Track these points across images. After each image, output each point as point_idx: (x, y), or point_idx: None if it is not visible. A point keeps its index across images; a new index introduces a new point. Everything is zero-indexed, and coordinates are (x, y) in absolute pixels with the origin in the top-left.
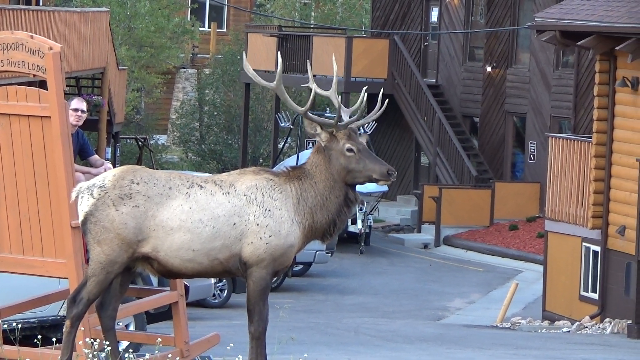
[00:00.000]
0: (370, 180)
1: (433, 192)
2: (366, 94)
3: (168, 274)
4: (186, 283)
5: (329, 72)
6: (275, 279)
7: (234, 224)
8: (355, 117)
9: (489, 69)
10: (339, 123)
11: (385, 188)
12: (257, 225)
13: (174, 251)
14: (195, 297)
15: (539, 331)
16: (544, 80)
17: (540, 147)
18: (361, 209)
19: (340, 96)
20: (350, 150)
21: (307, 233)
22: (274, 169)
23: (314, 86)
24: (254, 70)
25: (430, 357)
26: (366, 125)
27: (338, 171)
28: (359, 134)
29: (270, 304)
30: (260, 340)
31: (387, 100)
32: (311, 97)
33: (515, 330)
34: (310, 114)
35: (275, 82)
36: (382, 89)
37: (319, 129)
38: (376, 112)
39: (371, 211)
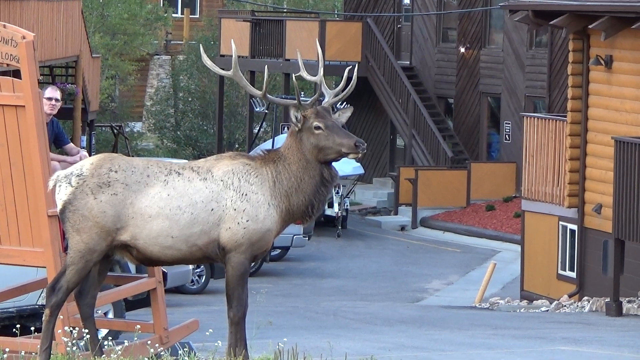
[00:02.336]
0: (341, 155)
1: (409, 174)
2: (347, 74)
3: (147, 262)
4: (164, 270)
5: (303, 56)
6: (253, 263)
7: (212, 209)
8: (317, 94)
9: (462, 50)
10: (301, 102)
11: (360, 170)
12: (235, 210)
13: (153, 238)
14: (174, 283)
15: (518, 311)
16: (517, 60)
17: (516, 127)
18: (337, 192)
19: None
20: (317, 127)
21: (285, 216)
22: (251, 153)
23: (304, 73)
24: (228, 56)
25: (410, 339)
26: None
27: (309, 150)
28: (343, 108)
29: (249, 289)
30: (239, 326)
31: (356, 74)
32: (295, 85)
33: (494, 311)
34: (269, 96)
35: (232, 70)
36: (356, 67)
37: (292, 112)
38: (347, 89)
39: (348, 194)
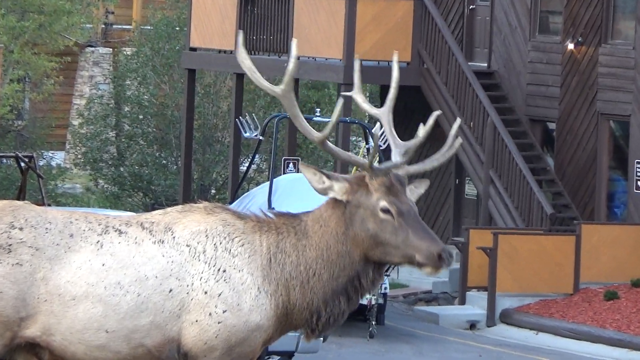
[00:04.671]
0: (411, 262)
1: (484, 240)
2: (434, 118)
3: None
4: None
5: (320, 51)
6: None
7: (170, 290)
8: (402, 159)
9: (571, 46)
10: (375, 166)
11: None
12: (206, 293)
13: (77, 333)
14: None
15: None
16: None
17: None
18: None
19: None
20: (386, 211)
21: (281, 315)
22: (235, 204)
23: (359, 99)
24: (203, 49)
25: None
26: (380, 136)
27: (361, 238)
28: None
29: None
30: None
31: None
32: (374, 137)
33: None
34: (330, 144)
35: (283, 85)
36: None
37: (327, 182)
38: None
39: (387, 271)
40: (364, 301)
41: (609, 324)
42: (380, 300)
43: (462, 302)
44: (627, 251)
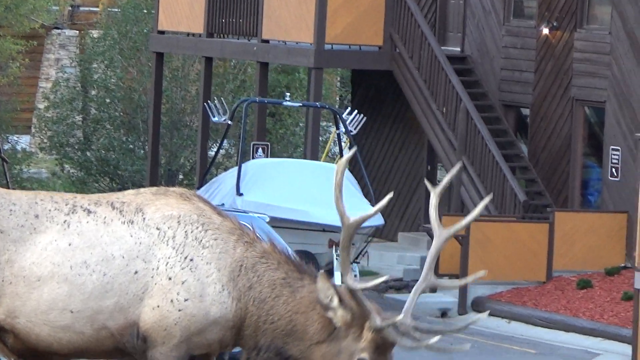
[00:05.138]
0: None
1: None
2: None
3: (30, 354)
4: None
5: (290, 34)
6: None
7: (136, 272)
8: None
9: (545, 31)
10: (380, 323)
11: (379, 221)
12: (170, 279)
13: (42, 314)
14: None
15: None
16: (634, 49)
17: (628, 156)
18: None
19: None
20: None
21: (236, 326)
22: (203, 189)
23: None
24: (170, 32)
25: None
26: (351, 121)
27: (321, 356)
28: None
29: None
30: None
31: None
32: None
33: None
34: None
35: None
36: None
37: (335, 304)
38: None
39: (357, 258)
40: None
41: (582, 312)
42: None
43: (434, 289)
44: (601, 239)
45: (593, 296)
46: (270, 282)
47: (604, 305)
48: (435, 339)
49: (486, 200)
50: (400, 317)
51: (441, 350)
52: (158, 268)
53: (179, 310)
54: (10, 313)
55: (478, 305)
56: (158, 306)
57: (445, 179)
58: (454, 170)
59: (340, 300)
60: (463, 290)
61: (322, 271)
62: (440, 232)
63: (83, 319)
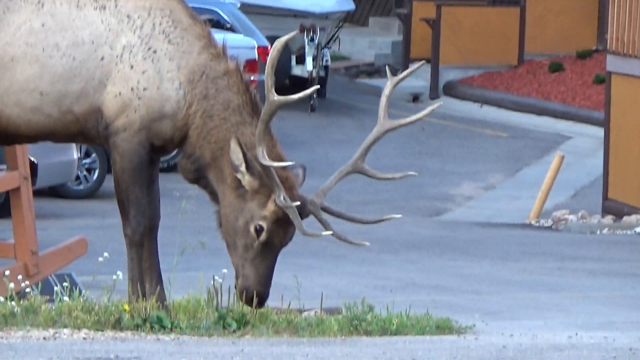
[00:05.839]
0: (236, 275)
1: (427, 11)
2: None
3: (0, 136)
4: (33, 159)
5: None
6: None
7: (102, 58)
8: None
9: None
10: (281, 200)
11: (349, 5)
12: (132, 68)
13: (14, 95)
14: (49, 181)
15: (598, 232)
16: None
17: None
18: (312, 40)
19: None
20: (259, 230)
21: (185, 127)
22: None
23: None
24: None
25: (423, 273)
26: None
27: (228, 219)
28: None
29: (166, 190)
30: (143, 248)
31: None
32: None
33: (560, 232)
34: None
35: None
36: None
37: (243, 168)
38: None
39: (328, 43)
40: (305, 73)
41: (554, 96)
42: (322, 73)
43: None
44: (573, 21)
45: (565, 79)
46: (225, 102)
47: (576, 89)
48: (326, 233)
49: (435, 106)
50: (303, 201)
51: (343, 241)
52: (122, 55)
53: (139, 99)
54: None
55: (449, 89)
56: (120, 93)
57: (405, 73)
58: (415, 67)
59: (250, 167)
60: (435, 75)
61: (233, 139)
62: (385, 122)
63: (51, 102)
